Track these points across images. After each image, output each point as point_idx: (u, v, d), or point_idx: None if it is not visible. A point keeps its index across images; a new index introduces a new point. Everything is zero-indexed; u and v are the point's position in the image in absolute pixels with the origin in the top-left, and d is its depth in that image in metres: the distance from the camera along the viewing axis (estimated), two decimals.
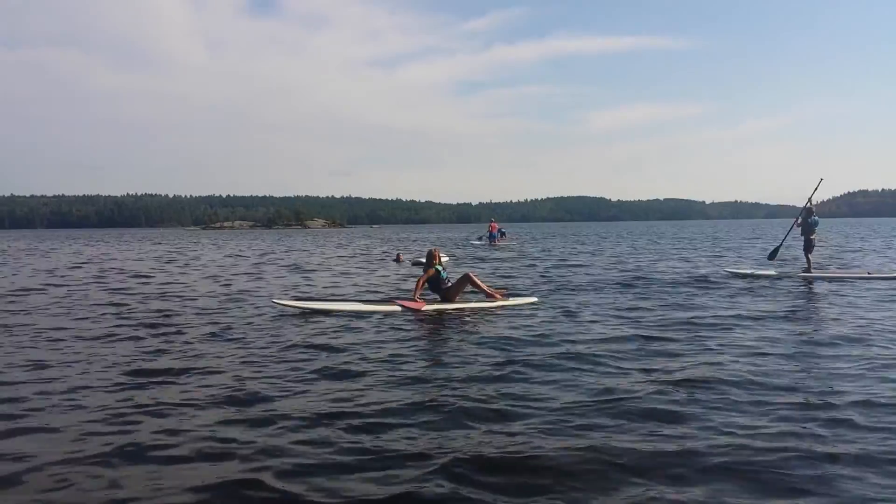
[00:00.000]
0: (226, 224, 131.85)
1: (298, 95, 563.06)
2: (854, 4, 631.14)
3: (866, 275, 14.04)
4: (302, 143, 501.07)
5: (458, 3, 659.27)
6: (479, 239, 37.33)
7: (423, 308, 9.35)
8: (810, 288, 12.25)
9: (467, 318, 8.93)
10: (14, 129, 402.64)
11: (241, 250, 32.75)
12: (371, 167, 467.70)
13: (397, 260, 21.72)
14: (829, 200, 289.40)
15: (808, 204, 14.12)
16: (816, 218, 14.18)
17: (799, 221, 14.34)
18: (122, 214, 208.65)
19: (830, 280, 13.40)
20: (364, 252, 29.14)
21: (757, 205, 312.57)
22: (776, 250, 15.46)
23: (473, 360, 6.20)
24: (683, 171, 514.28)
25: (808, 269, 14.04)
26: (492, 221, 34.79)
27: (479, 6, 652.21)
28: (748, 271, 14.87)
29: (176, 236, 72.54)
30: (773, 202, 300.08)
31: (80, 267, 20.89)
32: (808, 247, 14.20)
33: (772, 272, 14.35)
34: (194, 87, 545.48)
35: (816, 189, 14.25)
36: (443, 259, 21.35)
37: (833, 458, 3.68)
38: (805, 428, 4.18)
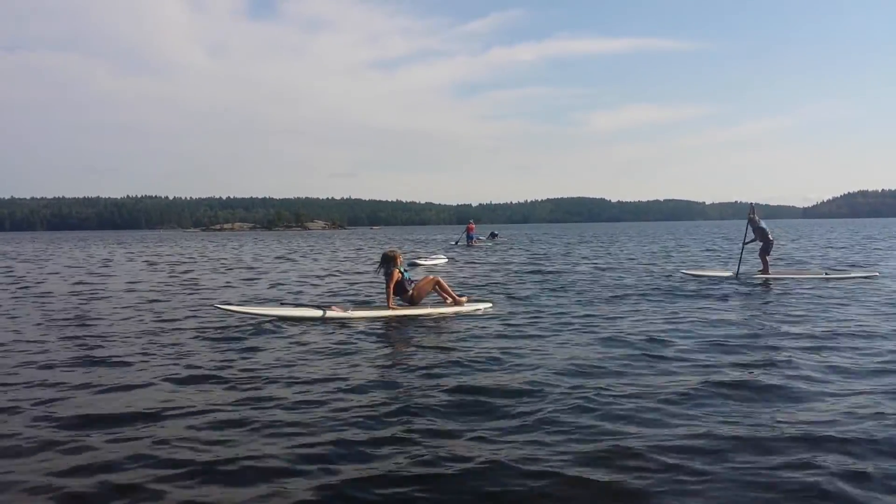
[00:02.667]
0: (226, 226, 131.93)
1: (299, 98, 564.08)
2: (855, 7, 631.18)
3: (823, 275, 14.30)
4: (302, 146, 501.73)
5: (457, 5, 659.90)
6: (457, 241, 38.41)
7: (351, 314, 9.25)
8: (768, 289, 12.45)
9: (410, 325, 9.10)
10: (14, 132, 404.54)
11: (243, 254, 32.90)
12: (371, 169, 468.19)
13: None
14: (828, 201, 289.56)
15: (752, 214, 14.53)
16: (763, 224, 14.54)
17: (748, 239, 14.62)
18: (122, 216, 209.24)
19: (787, 281, 13.58)
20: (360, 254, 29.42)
21: (756, 206, 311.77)
22: (738, 268, 14.36)
23: (402, 375, 6.18)
24: (683, 172, 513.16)
25: (764, 271, 14.32)
26: (470, 223, 35.91)
27: (479, 8, 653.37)
28: (705, 273, 15.08)
29: (172, 238, 72.74)
30: (772, 203, 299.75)
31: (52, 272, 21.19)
32: (767, 249, 14.49)
33: (728, 274, 14.59)
34: (194, 90, 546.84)
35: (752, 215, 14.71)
36: (436, 261, 21.67)
37: None
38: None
